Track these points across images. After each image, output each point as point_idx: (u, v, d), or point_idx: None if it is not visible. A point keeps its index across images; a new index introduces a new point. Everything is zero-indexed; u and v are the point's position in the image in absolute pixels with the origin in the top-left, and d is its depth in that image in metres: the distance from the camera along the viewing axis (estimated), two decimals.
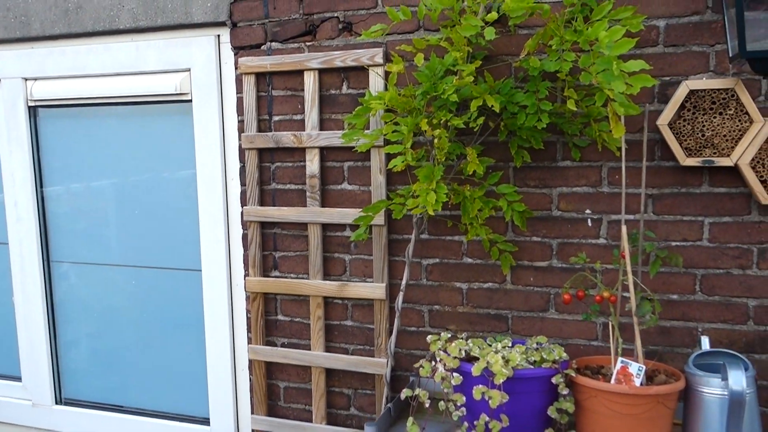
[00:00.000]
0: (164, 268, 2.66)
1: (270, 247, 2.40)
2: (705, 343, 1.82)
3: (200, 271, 2.53)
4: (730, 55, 1.75)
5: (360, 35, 2.18)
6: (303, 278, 2.36)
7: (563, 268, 2.07)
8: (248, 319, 2.45)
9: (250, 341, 2.45)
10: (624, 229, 1.79)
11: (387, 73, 2.13)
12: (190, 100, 2.46)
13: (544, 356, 1.75)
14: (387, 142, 2.10)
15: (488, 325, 2.17)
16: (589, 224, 2.04)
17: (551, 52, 1.74)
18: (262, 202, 2.38)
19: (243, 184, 2.40)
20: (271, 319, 2.43)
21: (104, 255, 2.75)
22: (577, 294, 1.87)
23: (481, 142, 2.06)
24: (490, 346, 1.84)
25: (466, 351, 1.81)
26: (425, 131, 1.75)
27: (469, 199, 1.90)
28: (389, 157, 2.15)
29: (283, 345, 2.43)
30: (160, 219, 2.64)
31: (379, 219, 2.17)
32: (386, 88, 2.13)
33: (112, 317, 2.79)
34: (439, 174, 1.76)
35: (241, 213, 2.42)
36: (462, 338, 1.92)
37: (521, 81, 2.02)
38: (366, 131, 2.05)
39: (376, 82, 2.16)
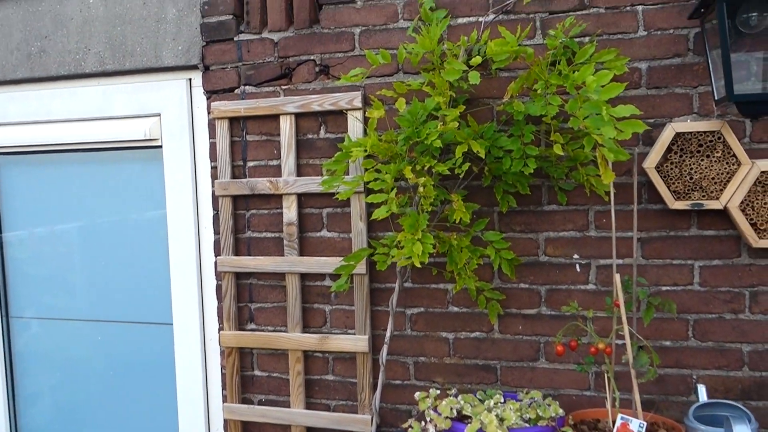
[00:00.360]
0: (133, 322, 2.51)
1: (245, 298, 2.29)
2: (702, 393, 1.75)
3: (171, 324, 2.40)
4: (716, 98, 1.72)
5: (338, 78, 2.12)
6: (281, 331, 2.25)
7: (553, 315, 2.00)
8: (223, 375, 2.32)
9: (225, 399, 2.31)
10: (617, 277, 1.72)
11: (366, 118, 2.07)
12: (161, 146, 2.36)
13: (540, 413, 1.66)
14: (368, 191, 2.03)
15: (476, 376, 2.07)
16: (578, 269, 1.97)
17: (536, 95, 1.69)
18: (237, 252, 2.28)
19: (217, 232, 2.29)
20: (247, 374, 2.30)
21: (68, 309, 2.60)
22: (569, 344, 1.80)
23: (465, 186, 2.00)
24: (482, 402, 1.75)
25: (457, 409, 1.71)
26: (409, 179, 1.68)
27: (456, 249, 1.83)
28: (370, 202, 2.08)
29: (260, 402, 2.29)
30: (128, 271, 2.51)
31: (361, 268, 2.08)
32: (365, 133, 2.06)
33: (77, 374, 2.62)
34: (425, 223, 1.69)
35: (215, 263, 2.30)
36: (452, 395, 1.83)
37: (504, 124, 1.97)
38: (346, 177, 1.98)
39: (355, 126, 2.10)
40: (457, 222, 1.75)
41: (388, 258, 1.84)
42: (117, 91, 2.38)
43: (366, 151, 1.73)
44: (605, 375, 1.76)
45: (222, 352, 2.31)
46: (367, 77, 2.09)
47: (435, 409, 1.72)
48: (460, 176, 1.76)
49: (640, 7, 1.87)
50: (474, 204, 1.96)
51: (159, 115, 2.35)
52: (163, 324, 2.45)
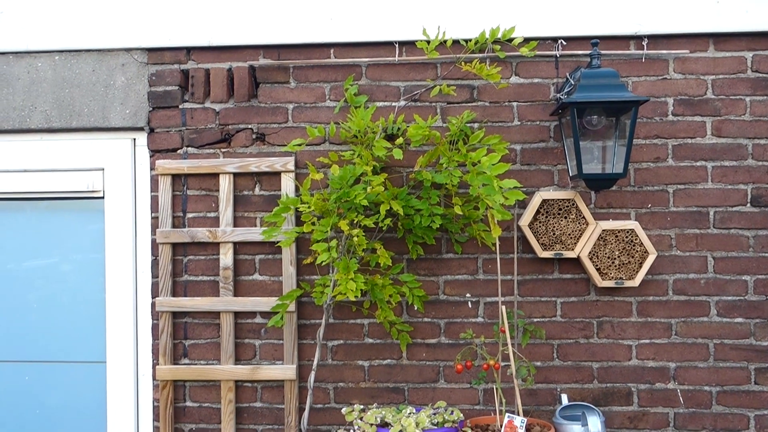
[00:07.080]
0: (65, 361, 2.65)
1: (180, 335, 2.54)
2: (564, 399, 2.27)
3: (105, 363, 2.58)
4: (570, 174, 2.32)
5: (273, 145, 2.51)
6: (213, 364, 2.51)
7: (450, 343, 2.45)
8: (155, 408, 2.52)
9: (157, 431, 2.51)
10: (503, 308, 2.22)
11: (297, 178, 2.47)
12: (103, 197, 2.59)
13: (446, 417, 2.09)
14: (297, 240, 2.41)
15: (387, 397, 2.47)
16: (470, 306, 2.46)
17: (440, 168, 2.19)
18: (174, 293, 2.53)
19: (155, 276, 2.54)
20: (180, 406, 2.53)
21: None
22: (466, 364, 2.25)
23: (380, 238, 2.44)
24: (400, 412, 2.15)
25: (380, 418, 2.10)
26: (345, 230, 2.09)
27: (380, 287, 2.24)
28: (299, 251, 2.45)
29: (191, 431, 2.52)
30: (64, 313, 2.66)
31: (291, 306, 2.43)
32: (296, 192, 2.45)
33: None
34: (355, 266, 2.09)
35: (152, 303, 2.54)
36: (374, 407, 2.20)
37: (412, 188, 2.44)
38: (283, 228, 2.35)
39: (287, 185, 2.48)
40: (381, 266, 2.17)
41: (323, 295, 2.22)
42: (61, 146, 2.59)
43: (310, 207, 2.12)
44: (494, 388, 2.23)
45: (156, 386, 2.52)
46: (297, 145, 2.50)
47: (361, 419, 2.09)
48: (383, 229, 2.20)
49: (515, 104, 2.45)
50: (390, 252, 2.40)
51: (102, 169, 2.59)
52: (95, 362, 2.62)
